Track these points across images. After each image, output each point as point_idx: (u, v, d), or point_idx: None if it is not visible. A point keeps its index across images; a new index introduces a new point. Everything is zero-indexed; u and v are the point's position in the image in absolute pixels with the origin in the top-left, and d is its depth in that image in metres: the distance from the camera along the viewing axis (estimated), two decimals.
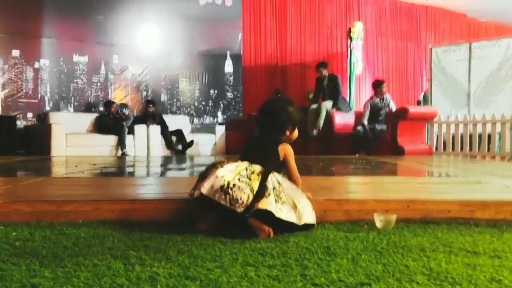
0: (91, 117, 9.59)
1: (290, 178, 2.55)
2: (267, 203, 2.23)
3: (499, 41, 10.72)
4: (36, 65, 9.31)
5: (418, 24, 15.65)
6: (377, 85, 9.68)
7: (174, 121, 10.34)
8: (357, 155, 8.69)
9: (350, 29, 12.88)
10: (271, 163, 2.48)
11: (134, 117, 9.78)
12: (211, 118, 11.52)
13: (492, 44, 10.72)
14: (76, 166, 5.46)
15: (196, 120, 11.17)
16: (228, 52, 11.69)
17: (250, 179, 2.29)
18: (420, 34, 15.67)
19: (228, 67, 11.71)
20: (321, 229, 2.31)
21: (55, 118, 8.96)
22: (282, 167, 2.57)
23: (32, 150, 8.78)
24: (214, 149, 10.15)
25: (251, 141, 2.73)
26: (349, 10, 13.98)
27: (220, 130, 10.38)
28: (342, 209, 2.51)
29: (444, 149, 9.51)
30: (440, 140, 9.65)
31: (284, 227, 2.24)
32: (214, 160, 2.53)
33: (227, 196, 2.21)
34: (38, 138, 8.80)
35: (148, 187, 3.62)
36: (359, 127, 9.19)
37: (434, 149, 9.42)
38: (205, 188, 2.25)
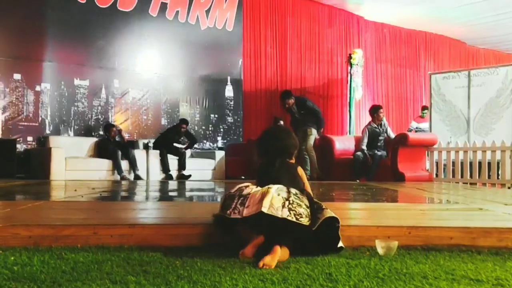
0: (91, 141, 9.58)
1: None
2: (329, 212, 2.34)
3: (498, 68, 10.79)
4: (37, 88, 9.34)
5: (418, 51, 15.78)
6: (374, 111, 9.67)
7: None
8: (357, 181, 8.67)
9: (350, 55, 12.98)
10: (298, 184, 2.60)
11: (163, 134, 9.96)
12: (211, 143, 11.52)
13: (490, 72, 10.78)
14: (75, 190, 5.44)
15: (195, 145, 11.17)
16: (229, 77, 11.74)
17: (298, 197, 2.35)
18: (419, 61, 15.79)
19: (229, 92, 11.75)
20: (322, 255, 2.29)
21: (55, 142, 8.95)
22: None
23: (31, 173, 8.75)
24: (213, 174, 10.12)
25: (264, 167, 2.78)
26: (349, 37, 14.09)
27: (220, 155, 10.36)
28: (343, 235, 2.49)
29: (444, 175, 9.50)
30: (440, 167, 9.64)
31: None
32: (239, 185, 2.53)
33: (291, 212, 2.23)
34: (38, 161, 8.78)
35: (147, 211, 3.60)
36: (359, 153, 9.18)
37: (434, 176, 9.40)
38: (265, 207, 2.22)
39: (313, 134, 9.33)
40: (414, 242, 2.53)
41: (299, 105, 9.43)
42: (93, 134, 9.94)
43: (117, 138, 9.51)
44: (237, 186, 2.50)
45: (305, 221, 2.23)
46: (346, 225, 2.59)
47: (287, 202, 2.25)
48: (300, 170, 2.75)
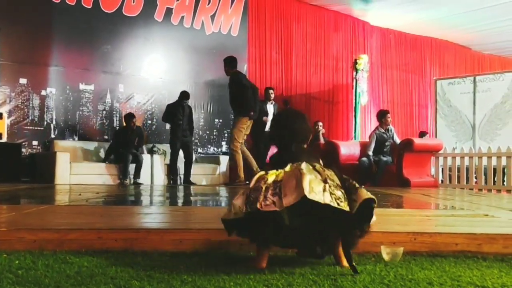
0: (96, 145, 9.61)
1: None
2: (365, 192, 2.10)
3: (503, 74, 10.78)
4: (43, 93, 9.36)
5: (423, 56, 15.76)
6: (382, 115, 9.60)
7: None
8: (362, 186, 8.64)
9: (355, 60, 12.98)
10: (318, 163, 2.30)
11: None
12: (215, 148, 11.52)
13: (496, 78, 10.77)
14: (79, 195, 5.44)
15: (200, 150, 11.17)
16: None
17: (328, 175, 2.10)
18: (425, 66, 15.77)
19: None
20: (327, 261, 2.28)
21: (60, 146, 8.98)
22: None
23: (36, 177, 8.77)
24: (218, 179, 10.12)
25: (279, 155, 2.44)
26: (354, 42, 14.08)
27: (224, 160, 10.36)
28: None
29: (450, 181, 9.47)
30: (445, 173, 9.62)
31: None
32: (257, 176, 2.18)
33: (332, 196, 1.99)
34: (43, 165, 8.80)
35: (152, 216, 3.60)
36: (364, 158, 9.14)
37: (439, 182, 9.37)
38: (307, 192, 1.93)
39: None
40: (420, 248, 2.52)
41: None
42: (98, 138, 9.95)
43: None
44: (256, 177, 2.17)
45: (344, 205, 2.00)
46: None
47: (326, 185, 2.01)
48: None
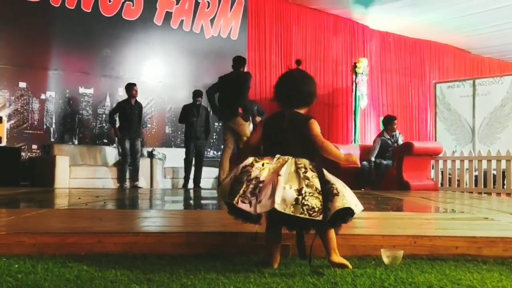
0: (95, 149, 9.61)
1: (326, 155, 2.38)
2: (341, 201, 2.17)
3: (503, 78, 10.78)
4: (42, 96, 9.36)
5: (423, 60, 15.78)
6: (388, 122, 9.52)
7: (178, 154, 10.33)
8: (362, 189, 8.64)
9: (355, 64, 13.00)
10: (308, 151, 2.34)
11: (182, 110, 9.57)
12: (215, 151, 11.51)
13: (495, 81, 10.77)
14: (79, 198, 5.44)
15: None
16: None
17: (308, 179, 2.18)
18: (424, 70, 15.78)
19: None
20: (327, 264, 2.28)
21: (59, 150, 8.98)
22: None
23: (36, 181, 8.76)
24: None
25: (273, 121, 2.47)
26: (354, 46, 14.10)
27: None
28: (348, 244, 2.48)
29: (449, 184, 9.47)
30: (445, 176, 9.62)
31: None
32: (245, 162, 2.26)
33: (304, 207, 2.09)
34: (42, 169, 8.80)
35: (151, 219, 3.59)
36: (365, 163, 9.11)
37: (439, 185, 9.37)
38: (278, 204, 2.07)
39: None
40: (420, 251, 2.52)
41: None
42: (97, 142, 9.95)
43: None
44: (242, 165, 2.27)
45: (317, 215, 2.09)
46: (351, 234, 2.58)
47: (300, 197, 2.10)
48: (313, 124, 2.38)
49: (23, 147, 9.01)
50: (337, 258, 2.25)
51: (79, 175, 8.65)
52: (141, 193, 7.35)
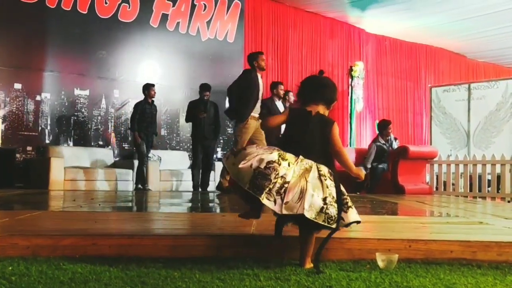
0: (90, 151, 9.57)
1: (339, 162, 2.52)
2: (355, 214, 2.35)
3: (498, 82, 10.82)
4: (38, 98, 9.32)
5: (418, 64, 15.82)
6: (383, 126, 9.46)
7: (173, 157, 10.33)
8: (358, 193, 8.65)
9: (351, 67, 13.02)
10: (327, 157, 2.47)
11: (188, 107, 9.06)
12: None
13: (490, 85, 10.81)
14: (74, 200, 5.42)
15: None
16: None
17: (328, 187, 2.31)
18: (420, 74, 15.82)
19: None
20: (322, 267, 2.28)
21: (54, 152, 8.94)
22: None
23: (30, 183, 8.71)
24: (213, 186, 10.09)
25: (298, 118, 2.52)
26: (350, 49, 14.12)
27: (220, 166, 10.31)
28: (344, 247, 2.49)
29: (444, 189, 9.48)
30: (440, 180, 9.63)
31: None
32: (265, 156, 2.33)
33: (326, 216, 2.24)
34: (37, 171, 8.76)
35: (146, 222, 3.59)
36: (361, 167, 9.07)
37: (434, 189, 9.39)
38: (307, 211, 2.20)
39: None
40: (415, 255, 2.52)
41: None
42: (92, 144, 9.92)
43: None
44: (267, 159, 2.30)
45: (333, 224, 2.24)
46: (347, 237, 2.58)
47: (325, 206, 2.23)
48: (336, 129, 2.51)
49: (18, 149, 8.97)
50: (308, 264, 2.34)
51: (74, 177, 8.62)
52: (137, 195, 7.33)
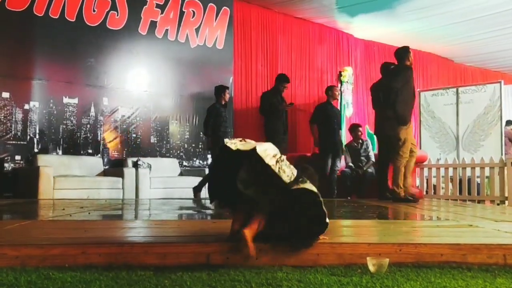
0: (80, 159, 9.52)
1: None
2: (311, 186, 2.47)
3: (485, 86, 10.90)
4: (26, 106, 9.26)
5: None
6: (352, 130, 10.09)
7: (163, 164, 10.29)
8: (348, 198, 8.67)
9: (340, 73, 13.06)
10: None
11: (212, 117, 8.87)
12: (201, 160, 11.48)
13: (478, 89, 10.89)
14: (63, 209, 5.39)
15: (185, 163, 11.13)
16: None
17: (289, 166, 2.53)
18: None
19: None
20: (314, 273, 2.27)
21: (43, 161, 8.88)
22: None
23: (19, 192, 8.65)
24: (204, 192, 10.07)
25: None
26: (339, 54, 14.17)
27: None
28: (335, 252, 2.48)
29: (434, 192, 9.53)
30: (430, 184, 9.68)
31: None
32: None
33: (277, 164, 2.44)
34: (26, 180, 8.69)
35: (136, 230, 3.57)
36: (346, 169, 9.35)
37: (424, 192, 9.42)
38: (259, 149, 2.40)
39: None
40: (405, 259, 2.52)
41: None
42: (82, 152, 9.87)
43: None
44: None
45: (285, 178, 2.37)
46: (338, 242, 2.58)
47: (279, 160, 2.42)
48: None
49: (6, 158, 8.91)
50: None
51: (63, 186, 8.56)
52: (126, 204, 7.30)
